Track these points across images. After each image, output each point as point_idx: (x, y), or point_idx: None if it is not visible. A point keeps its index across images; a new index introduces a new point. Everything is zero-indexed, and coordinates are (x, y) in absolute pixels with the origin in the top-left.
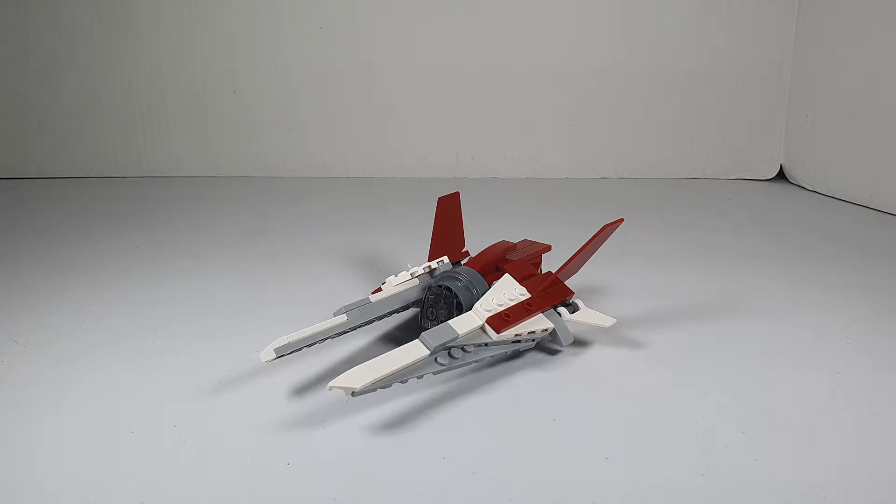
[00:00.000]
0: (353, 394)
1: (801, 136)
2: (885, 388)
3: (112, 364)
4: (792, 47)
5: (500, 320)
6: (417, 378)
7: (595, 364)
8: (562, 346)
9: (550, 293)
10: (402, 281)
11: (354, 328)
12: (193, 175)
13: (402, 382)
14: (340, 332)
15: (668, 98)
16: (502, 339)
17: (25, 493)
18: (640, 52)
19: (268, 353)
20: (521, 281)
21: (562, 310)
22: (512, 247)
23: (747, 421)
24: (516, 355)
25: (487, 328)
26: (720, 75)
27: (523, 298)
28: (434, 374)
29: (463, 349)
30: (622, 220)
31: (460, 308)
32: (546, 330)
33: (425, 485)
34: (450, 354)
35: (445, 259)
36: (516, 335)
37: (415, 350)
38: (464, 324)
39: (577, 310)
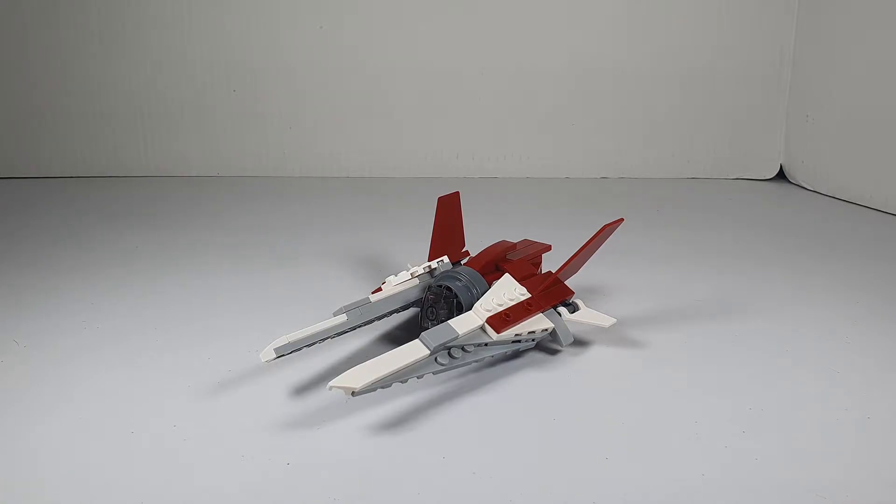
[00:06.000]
0: (353, 394)
1: (801, 136)
2: (885, 388)
3: (112, 364)
4: (792, 47)
5: (500, 320)
6: (417, 378)
7: (595, 364)
8: (562, 346)
9: (550, 293)
10: (402, 281)
11: (354, 328)
12: (193, 175)
13: (402, 382)
14: (340, 332)
15: (668, 98)
16: (502, 339)
17: (25, 493)
18: (640, 52)
19: (268, 353)
20: (521, 281)
21: (562, 310)
22: (512, 247)
23: (747, 421)
24: (516, 355)
25: (487, 328)
26: (720, 75)
27: (523, 298)
28: (434, 374)
29: (463, 349)
30: (622, 220)
31: (460, 308)
32: (546, 330)
33: (425, 485)
34: (450, 354)
35: (445, 259)
36: (516, 335)
37: (415, 350)
38: (464, 324)
39: (577, 310)
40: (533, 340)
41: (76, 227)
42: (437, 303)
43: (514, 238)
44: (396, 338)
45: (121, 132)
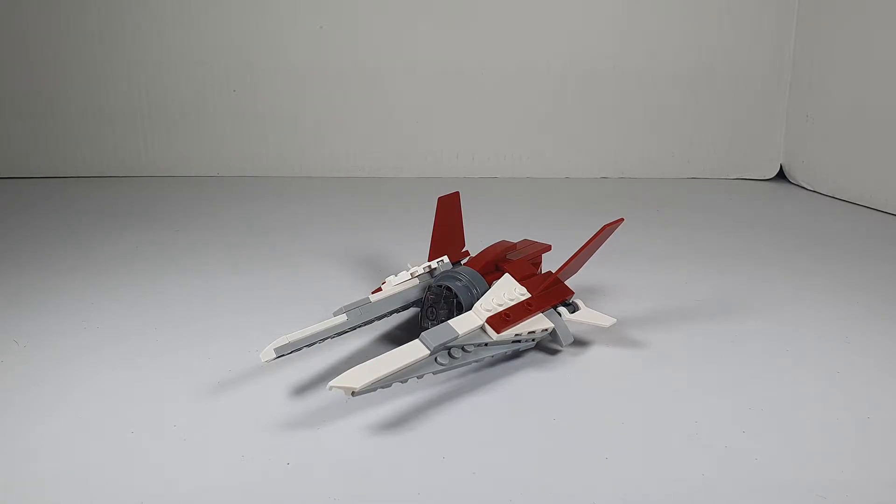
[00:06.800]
0: (353, 394)
1: (801, 136)
2: (885, 388)
3: (112, 364)
4: (792, 47)
5: (500, 320)
6: (417, 378)
7: (595, 364)
8: (562, 346)
9: (550, 293)
10: (402, 281)
11: (354, 328)
12: (194, 175)
13: (402, 382)
14: (340, 332)
15: (668, 98)
16: (502, 338)
17: (25, 493)
18: (640, 52)
19: (268, 353)
20: (521, 281)
21: (562, 310)
22: (512, 247)
23: (747, 421)
24: (516, 355)
25: (487, 328)
26: (720, 75)
27: (523, 298)
28: (434, 374)
29: (463, 349)
30: (622, 219)
31: (460, 308)
32: (546, 330)
33: (425, 485)
34: (450, 354)
35: (445, 259)
36: (516, 335)
37: (415, 350)
38: (464, 324)
39: (577, 310)
40: (533, 340)
41: (76, 227)
42: (437, 303)
43: (514, 238)
44: (396, 338)
45: (121, 132)
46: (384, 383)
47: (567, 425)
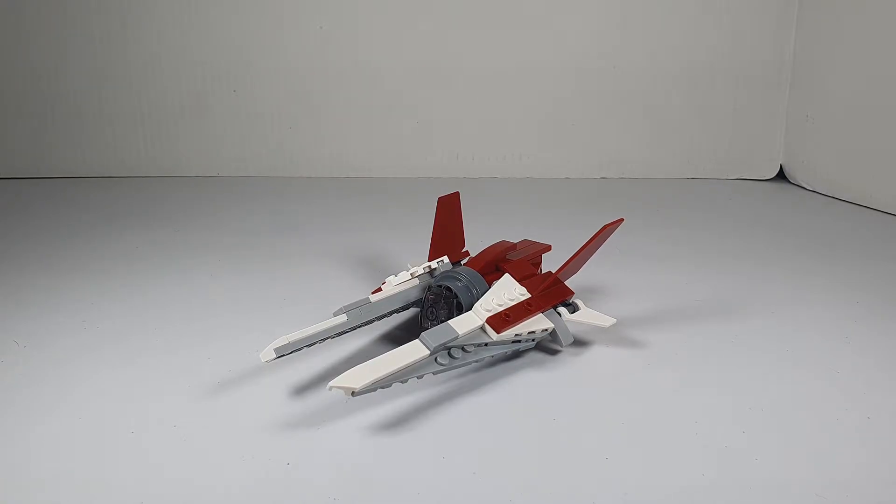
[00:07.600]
0: (353, 394)
1: (801, 136)
2: (885, 388)
3: (112, 364)
4: (792, 47)
5: (500, 320)
6: (417, 378)
7: (595, 364)
8: (562, 346)
9: (550, 293)
10: (402, 281)
11: (354, 328)
12: (194, 175)
13: (402, 382)
14: (340, 332)
15: (668, 98)
16: (502, 339)
17: (25, 493)
18: (640, 52)
19: (268, 353)
20: (521, 281)
21: (562, 310)
22: (512, 247)
23: (747, 421)
24: (516, 355)
25: (487, 328)
26: (720, 75)
27: (523, 298)
28: (434, 374)
29: (463, 349)
30: (622, 220)
31: (460, 308)
32: (546, 330)
33: (425, 485)
34: (450, 354)
35: (445, 259)
36: (516, 335)
37: (415, 350)
38: (464, 324)
39: (577, 310)
40: (533, 340)
41: (76, 227)
42: (437, 303)
43: (514, 238)
44: (396, 338)
45: (121, 132)
46: (384, 383)
47: (567, 425)
